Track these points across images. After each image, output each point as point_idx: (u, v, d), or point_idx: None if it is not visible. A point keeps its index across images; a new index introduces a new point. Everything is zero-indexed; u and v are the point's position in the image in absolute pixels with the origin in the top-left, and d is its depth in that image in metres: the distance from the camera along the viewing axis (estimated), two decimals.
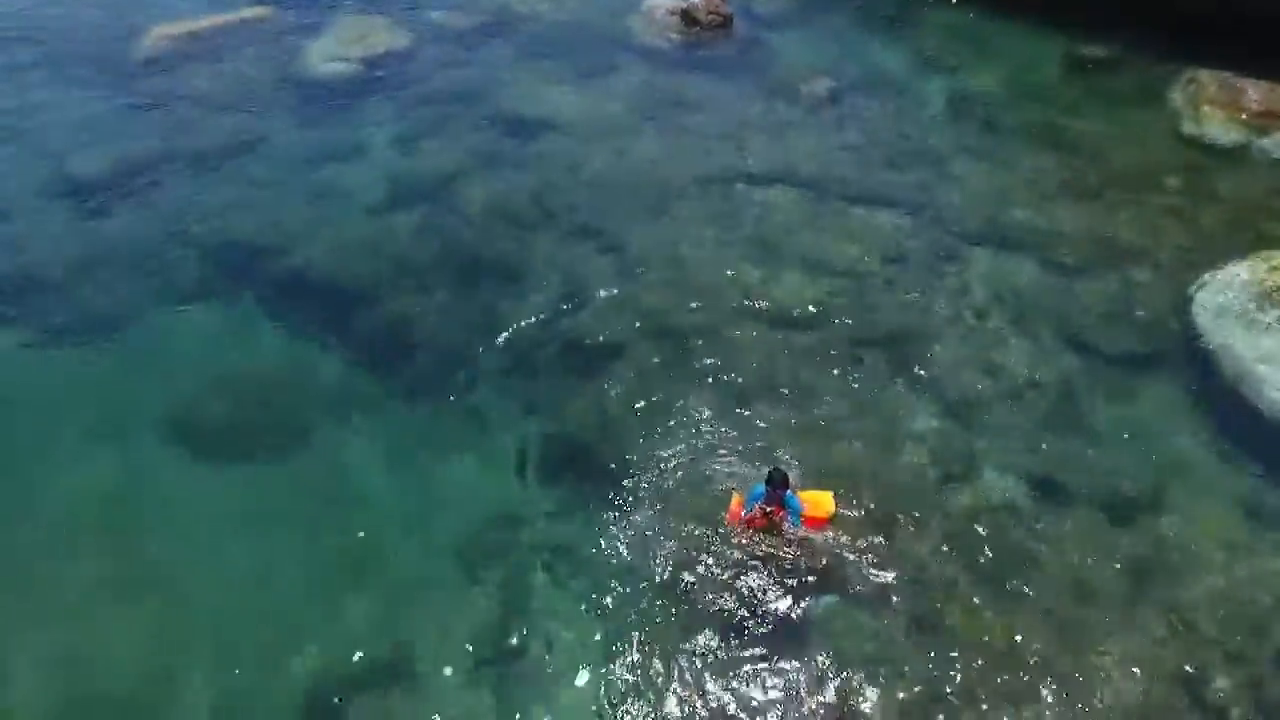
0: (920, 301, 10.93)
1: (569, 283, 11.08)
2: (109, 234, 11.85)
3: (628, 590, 7.85)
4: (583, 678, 7.30)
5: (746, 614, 7.66)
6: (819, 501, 8.25)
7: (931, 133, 14.32)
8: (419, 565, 8.15)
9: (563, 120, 14.26)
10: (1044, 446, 9.17)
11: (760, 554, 8.00)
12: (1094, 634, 7.63)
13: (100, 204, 12.31)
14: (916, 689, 7.22)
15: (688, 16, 17.10)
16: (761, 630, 7.56)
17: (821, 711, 7.08)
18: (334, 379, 9.94)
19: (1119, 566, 8.13)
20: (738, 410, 9.45)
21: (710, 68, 16.01)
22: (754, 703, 7.14)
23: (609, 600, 7.80)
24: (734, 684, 7.25)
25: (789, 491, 7.91)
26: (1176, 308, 10.70)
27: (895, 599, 7.82)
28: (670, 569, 7.99)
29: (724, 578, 7.91)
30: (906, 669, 7.35)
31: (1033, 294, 11.02)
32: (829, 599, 7.76)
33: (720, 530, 8.21)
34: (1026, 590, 7.91)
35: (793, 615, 7.67)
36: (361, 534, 8.38)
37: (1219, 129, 13.95)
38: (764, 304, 10.80)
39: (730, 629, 7.58)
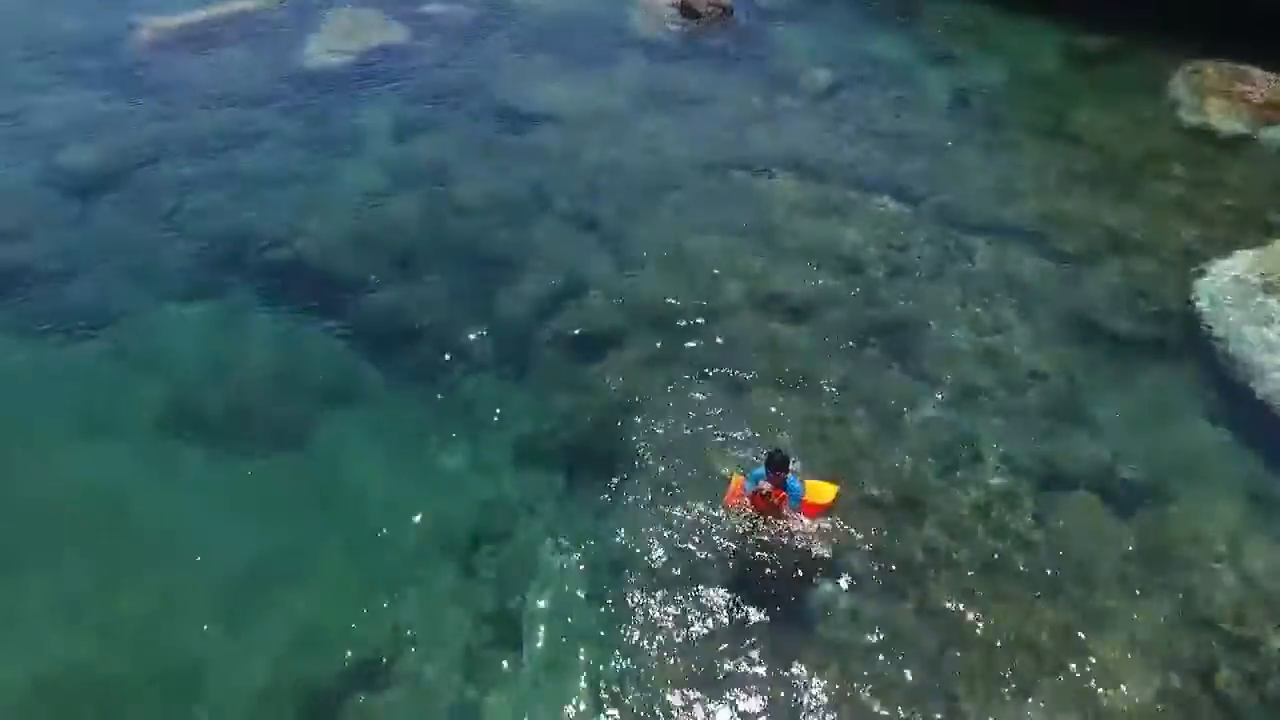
0: (921, 290, 10.86)
1: (568, 272, 11.00)
2: (104, 226, 11.80)
3: (627, 579, 7.77)
4: (582, 667, 7.20)
5: (746, 602, 7.58)
6: (821, 490, 8.17)
7: (933, 123, 14.26)
8: (415, 555, 8.04)
9: (561, 112, 14.19)
10: (1047, 435, 9.09)
11: (760, 542, 7.92)
12: (1099, 623, 7.53)
13: (96, 196, 12.24)
14: (918, 678, 7.14)
15: (687, 7, 17.06)
16: (762, 619, 7.48)
17: (822, 699, 7.00)
18: (330, 370, 9.85)
19: (1123, 555, 8.04)
20: (738, 398, 9.37)
21: (710, 59, 15.96)
22: (754, 691, 7.06)
23: (607, 589, 7.70)
24: (734, 673, 7.16)
25: (790, 474, 7.83)
26: (1180, 297, 10.63)
27: (897, 587, 7.73)
28: (671, 558, 7.90)
29: (724, 566, 7.83)
30: (908, 658, 7.26)
31: (1035, 283, 10.95)
32: (829, 587, 7.68)
33: (721, 519, 8.12)
34: (1030, 579, 7.82)
35: (793, 603, 7.59)
36: (358, 524, 8.27)
37: (1222, 119, 13.91)
38: (764, 292, 10.72)
39: (730, 617, 7.49)
